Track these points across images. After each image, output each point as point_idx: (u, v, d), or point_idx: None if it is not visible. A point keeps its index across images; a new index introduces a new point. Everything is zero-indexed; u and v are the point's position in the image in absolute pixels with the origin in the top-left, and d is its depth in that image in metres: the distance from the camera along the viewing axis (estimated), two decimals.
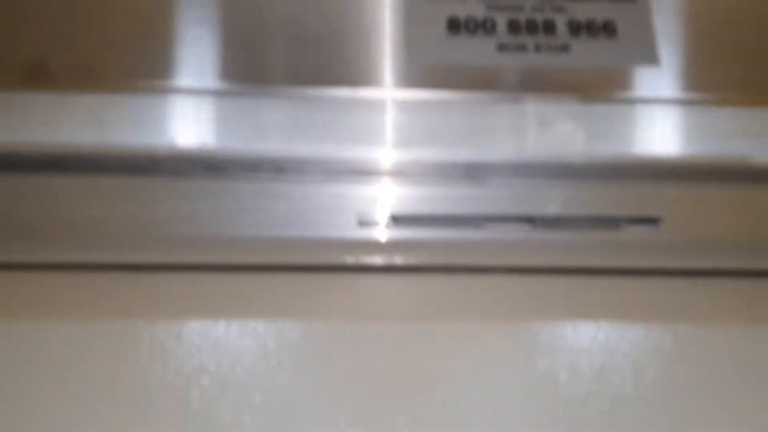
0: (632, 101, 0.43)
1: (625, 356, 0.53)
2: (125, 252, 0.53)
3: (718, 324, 0.55)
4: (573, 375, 0.52)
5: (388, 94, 0.42)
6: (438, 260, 0.54)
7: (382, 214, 0.49)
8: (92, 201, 0.45)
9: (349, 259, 0.53)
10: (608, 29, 0.44)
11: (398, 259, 0.54)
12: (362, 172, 0.43)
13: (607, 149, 0.42)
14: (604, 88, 0.43)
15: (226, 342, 0.52)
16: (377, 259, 0.54)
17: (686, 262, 0.55)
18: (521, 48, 0.43)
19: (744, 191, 0.44)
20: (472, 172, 0.43)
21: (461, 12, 0.44)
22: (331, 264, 0.54)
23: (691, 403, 0.52)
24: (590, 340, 0.53)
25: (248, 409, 0.50)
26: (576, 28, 0.44)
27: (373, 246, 0.54)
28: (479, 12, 0.45)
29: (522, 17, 0.45)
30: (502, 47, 0.43)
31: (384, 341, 0.53)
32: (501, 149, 0.42)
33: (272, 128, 0.42)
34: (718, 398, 0.52)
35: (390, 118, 0.42)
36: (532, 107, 0.42)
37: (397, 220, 0.49)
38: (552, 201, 0.46)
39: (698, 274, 0.55)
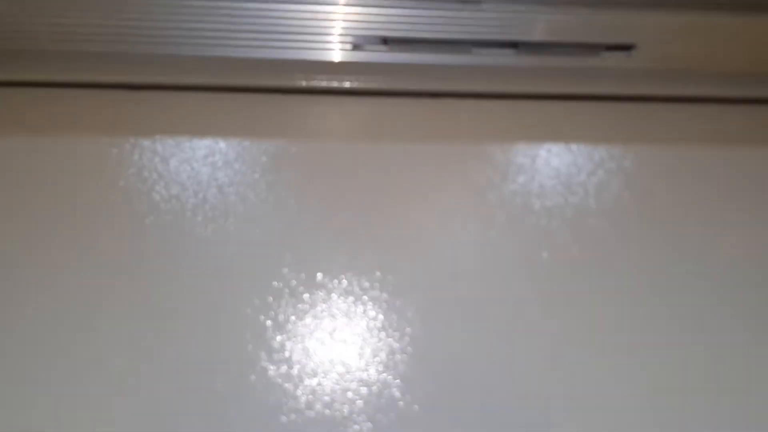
0: None
1: (591, 174, 0.59)
2: (121, 71, 0.55)
3: (680, 145, 0.60)
4: (542, 190, 0.58)
5: None
6: (427, 85, 0.58)
7: (374, 36, 0.51)
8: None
9: (339, 82, 0.57)
10: None
11: (388, 82, 0.57)
12: None
13: None
14: None
15: (212, 159, 0.56)
16: (369, 82, 0.57)
17: (656, 88, 0.59)
18: None
19: (717, 20, 0.48)
20: None
21: None
22: (321, 87, 0.57)
23: (648, 215, 0.58)
24: (560, 160, 0.59)
25: (227, 217, 0.55)
26: None
27: (364, 67, 0.57)
28: None
29: None
30: None
31: (372, 160, 0.58)
32: None
33: None
34: (673, 213, 0.58)
35: None
36: None
37: (388, 41, 0.52)
38: (536, 27, 0.50)
39: (666, 100, 0.60)
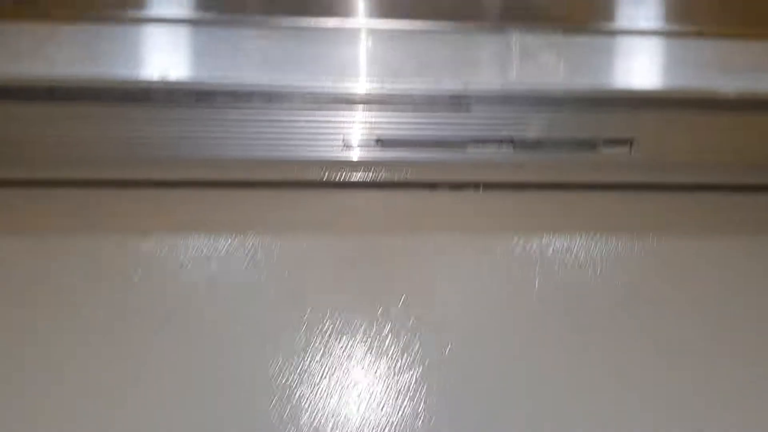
0: (612, 33, 0.44)
1: (591, 263, 0.57)
2: (118, 170, 0.55)
3: (685, 235, 0.58)
4: (541, 279, 0.56)
5: (366, 24, 0.43)
6: (421, 177, 0.57)
7: (366, 138, 0.51)
8: (86, 125, 0.46)
9: (333, 177, 0.56)
10: None
11: (382, 177, 0.56)
12: (346, 101, 0.44)
13: (585, 80, 0.43)
14: (585, 19, 0.44)
15: (216, 256, 0.55)
16: (362, 177, 0.56)
17: (656, 177, 0.58)
18: None
19: (712, 118, 0.47)
20: (456, 102, 0.44)
21: None
22: (315, 181, 0.56)
23: (652, 308, 0.57)
24: (563, 252, 0.57)
25: (237, 318, 0.54)
26: None
27: (357, 165, 0.56)
28: None
29: None
30: None
31: (369, 252, 0.57)
32: (484, 79, 0.43)
33: (253, 59, 0.43)
34: (678, 303, 0.57)
35: (372, 49, 0.43)
36: (515, 38, 0.43)
37: (380, 142, 0.51)
38: (532, 126, 0.48)
39: (665, 188, 0.59)
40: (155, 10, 0.44)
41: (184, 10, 0.43)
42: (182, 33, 0.44)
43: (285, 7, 0.44)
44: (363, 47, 0.43)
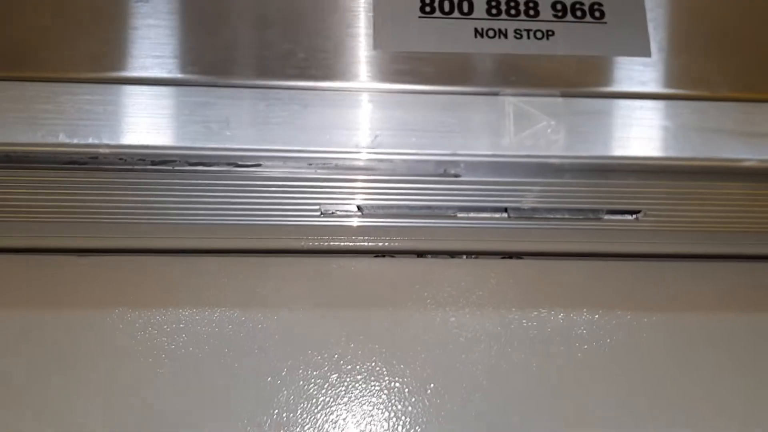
0: (615, 96, 0.40)
1: (591, 337, 0.52)
2: (75, 237, 0.50)
3: (695, 309, 0.54)
4: (539, 352, 0.51)
5: (360, 86, 0.39)
6: (408, 245, 0.52)
7: (348, 206, 0.46)
8: (35, 191, 0.42)
9: (312, 245, 0.51)
10: (596, 12, 0.40)
11: (367, 245, 0.52)
12: (332, 168, 0.40)
13: (586, 149, 0.39)
14: (586, 82, 0.40)
15: (182, 327, 0.51)
16: (345, 245, 0.52)
17: (663, 247, 0.53)
18: (500, 33, 0.40)
19: (722, 187, 0.42)
20: (446, 169, 0.40)
21: None
22: (296, 248, 0.52)
23: (661, 385, 0.52)
24: (561, 327, 0.52)
25: (209, 392, 0.49)
26: (562, 10, 0.40)
27: (341, 231, 0.51)
28: None
29: None
30: (479, 32, 0.40)
31: (354, 324, 0.52)
32: (476, 146, 0.39)
33: (230, 123, 0.38)
34: (689, 379, 0.52)
35: (361, 113, 0.39)
36: (510, 101, 0.39)
37: (364, 210, 0.47)
38: (528, 195, 0.44)
39: (673, 258, 0.54)
40: (128, 71, 0.39)
41: (163, 71, 0.39)
42: (160, 95, 0.40)
43: (261, 69, 0.39)
44: (346, 110, 0.39)
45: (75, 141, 0.37)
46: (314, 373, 0.50)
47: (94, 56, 0.38)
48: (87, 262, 0.51)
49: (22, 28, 0.38)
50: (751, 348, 0.53)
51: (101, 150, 0.37)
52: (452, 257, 0.53)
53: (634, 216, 0.48)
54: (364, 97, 0.39)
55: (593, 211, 0.47)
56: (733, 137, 0.39)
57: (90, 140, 0.37)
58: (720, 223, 0.49)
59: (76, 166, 0.38)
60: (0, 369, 0.49)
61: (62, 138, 0.37)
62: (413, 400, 0.50)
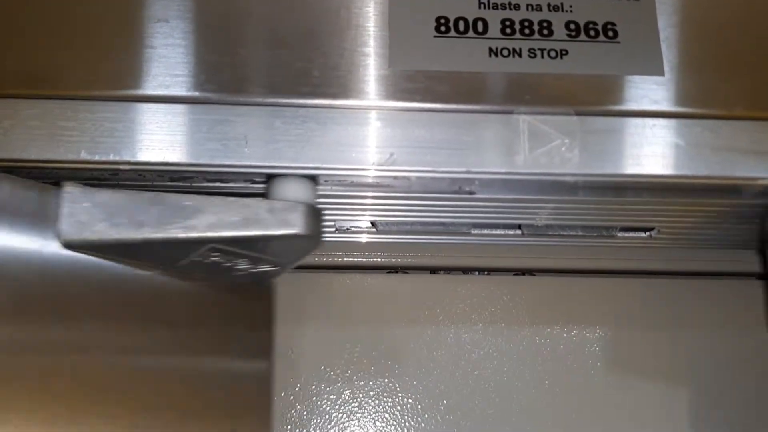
0: (629, 115, 0.40)
1: (607, 360, 0.52)
2: None
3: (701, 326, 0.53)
4: (558, 380, 0.51)
5: (375, 105, 0.39)
6: (422, 262, 0.53)
7: (362, 222, 0.47)
8: None
9: (328, 260, 0.52)
10: (609, 32, 0.41)
11: (381, 261, 0.52)
12: (347, 185, 0.41)
13: (600, 167, 0.39)
14: (600, 100, 0.40)
15: None
16: (359, 261, 0.52)
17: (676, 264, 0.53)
18: (515, 53, 0.40)
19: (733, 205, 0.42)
20: (460, 187, 0.40)
21: (451, 11, 0.41)
22: (310, 264, 0.52)
23: (677, 402, 0.52)
24: (574, 344, 0.52)
25: None
26: (575, 30, 0.41)
27: (354, 247, 0.52)
28: (471, 10, 0.41)
29: (516, 17, 0.41)
30: (493, 51, 0.40)
31: (367, 340, 0.52)
32: (490, 164, 0.39)
33: (247, 140, 0.39)
34: (706, 394, 0.52)
35: (377, 131, 0.39)
36: (525, 119, 0.40)
37: (378, 226, 0.47)
38: (542, 212, 0.44)
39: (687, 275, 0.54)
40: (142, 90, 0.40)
41: (175, 89, 0.40)
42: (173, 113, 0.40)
43: (275, 86, 0.40)
44: (361, 128, 0.39)
45: (96, 158, 0.38)
46: (327, 389, 0.51)
47: (115, 75, 0.39)
48: None
49: (47, 48, 0.39)
50: None
51: (121, 166, 0.38)
52: (465, 273, 0.53)
53: (648, 233, 0.48)
54: (379, 115, 0.40)
55: (607, 228, 0.47)
56: (747, 156, 0.40)
57: (111, 157, 0.38)
58: (733, 242, 0.49)
59: (97, 182, 0.39)
60: None
61: (84, 155, 0.38)
62: (426, 416, 0.51)
